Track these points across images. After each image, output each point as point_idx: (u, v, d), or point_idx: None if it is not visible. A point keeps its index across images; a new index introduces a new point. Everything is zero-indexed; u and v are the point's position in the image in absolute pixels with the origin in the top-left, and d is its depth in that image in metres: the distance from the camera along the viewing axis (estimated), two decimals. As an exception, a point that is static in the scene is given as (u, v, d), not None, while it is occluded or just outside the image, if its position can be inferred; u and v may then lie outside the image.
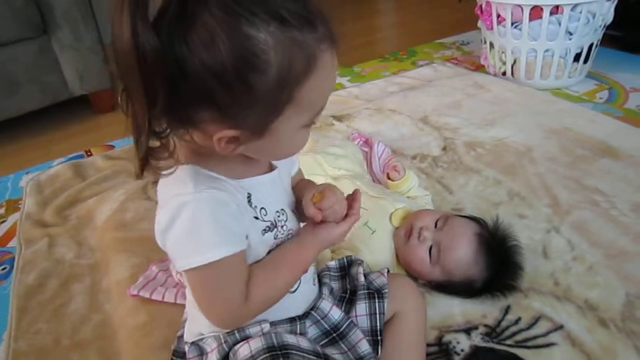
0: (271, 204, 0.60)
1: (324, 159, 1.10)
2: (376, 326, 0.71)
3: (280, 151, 0.57)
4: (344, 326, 0.69)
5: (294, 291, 0.66)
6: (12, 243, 1.18)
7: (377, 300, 0.72)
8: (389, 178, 1.11)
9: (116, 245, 1.09)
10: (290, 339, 0.61)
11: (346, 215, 0.64)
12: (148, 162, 0.48)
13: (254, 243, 0.58)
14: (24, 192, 1.36)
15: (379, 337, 0.71)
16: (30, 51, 1.61)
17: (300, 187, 0.71)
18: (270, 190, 0.61)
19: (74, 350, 0.87)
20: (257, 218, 0.58)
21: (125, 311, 0.93)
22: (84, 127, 1.80)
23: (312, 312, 0.68)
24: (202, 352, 0.65)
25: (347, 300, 0.74)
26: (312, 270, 0.70)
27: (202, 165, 0.54)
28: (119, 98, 0.47)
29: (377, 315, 0.71)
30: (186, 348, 0.67)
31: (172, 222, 0.51)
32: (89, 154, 1.56)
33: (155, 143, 0.49)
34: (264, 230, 0.59)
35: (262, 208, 0.58)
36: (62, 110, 1.81)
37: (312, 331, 0.68)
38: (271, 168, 0.63)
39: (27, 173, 1.47)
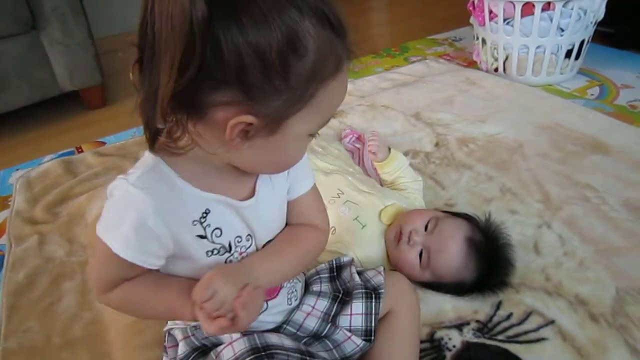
0: (233, 228, 0.57)
1: (315, 156, 1.09)
2: (371, 326, 0.70)
3: (281, 157, 0.53)
4: (325, 331, 0.69)
5: (262, 312, 0.63)
6: (2, 241, 1.17)
7: (373, 300, 0.71)
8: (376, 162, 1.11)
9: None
10: (274, 339, 0.61)
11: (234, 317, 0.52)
12: (157, 138, 0.49)
13: (196, 261, 0.55)
14: (13, 189, 1.34)
15: (372, 337, 0.70)
16: (19, 47, 1.59)
17: (285, 232, 0.64)
18: (239, 216, 0.57)
19: (65, 349, 0.87)
20: (202, 237, 0.54)
21: (117, 309, 0.92)
22: (75, 123, 1.79)
23: (286, 325, 0.68)
24: (176, 342, 0.66)
25: (339, 300, 0.73)
26: (284, 292, 0.67)
27: (172, 162, 0.52)
28: (131, 72, 0.46)
29: (373, 316, 0.71)
30: (165, 337, 0.67)
31: (109, 197, 0.52)
32: (79, 150, 1.55)
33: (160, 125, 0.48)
34: (210, 251, 0.56)
35: (216, 228, 0.55)
36: (52, 106, 1.80)
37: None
38: (252, 194, 0.58)
39: (17, 170, 1.46)
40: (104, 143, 1.57)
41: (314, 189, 0.67)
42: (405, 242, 0.88)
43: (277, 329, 0.67)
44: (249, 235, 0.58)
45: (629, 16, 1.80)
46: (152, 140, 0.50)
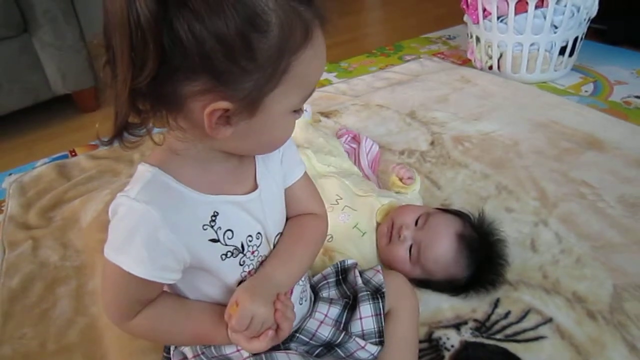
0: (243, 227, 0.56)
1: (314, 155, 1.08)
2: (381, 326, 0.69)
3: (269, 137, 0.52)
4: (339, 339, 0.67)
5: None
6: (-5, 246, 1.15)
7: (379, 300, 0.71)
8: (401, 181, 1.07)
9: (102, 247, 1.07)
10: (282, 358, 0.59)
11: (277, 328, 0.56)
12: (122, 134, 0.48)
13: (211, 268, 0.55)
14: (6, 193, 1.33)
15: (383, 338, 0.69)
16: (11, 50, 1.57)
17: (291, 229, 0.63)
18: (247, 212, 0.56)
19: (60, 355, 0.86)
20: (215, 241, 0.53)
21: (112, 313, 0.91)
22: (68, 126, 1.77)
23: (298, 334, 0.66)
24: (185, 357, 0.64)
25: (349, 306, 0.72)
26: (298, 290, 0.65)
27: (170, 169, 0.51)
28: (102, 69, 0.46)
29: (381, 316, 0.70)
30: (171, 351, 0.66)
31: (112, 216, 0.51)
32: (73, 154, 1.53)
33: (135, 120, 0.48)
34: (225, 255, 0.55)
35: (228, 230, 0.54)
36: (45, 110, 1.78)
37: (302, 349, 0.66)
38: (254, 187, 0.58)
39: (10, 174, 1.44)
40: (97, 146, 1.55)
41: (307, 175, 0.67)
42: (396, 237, 0.88)
43: (290, 338, 0.65)
44: (258, 233, 0.58)
45: (622, 13, 1.81)
46: (119, 134, 0.49)
